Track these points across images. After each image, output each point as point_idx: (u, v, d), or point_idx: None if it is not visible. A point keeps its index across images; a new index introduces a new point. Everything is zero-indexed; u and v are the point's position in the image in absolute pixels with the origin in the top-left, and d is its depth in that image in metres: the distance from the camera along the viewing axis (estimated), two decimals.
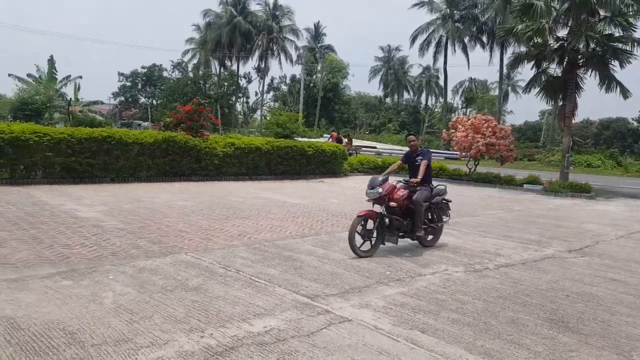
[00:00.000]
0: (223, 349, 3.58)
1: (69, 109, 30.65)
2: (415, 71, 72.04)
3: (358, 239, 6.55)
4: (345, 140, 25.08)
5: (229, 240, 7.17)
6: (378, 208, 6.90)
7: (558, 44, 19.72)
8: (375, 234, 6.73)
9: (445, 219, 7.79)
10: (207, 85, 59.09)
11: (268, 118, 43.32)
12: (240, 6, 59.12)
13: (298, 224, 8.92)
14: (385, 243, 6.90)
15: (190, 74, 61.62)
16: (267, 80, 65.72)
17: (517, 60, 21.17)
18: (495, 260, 6.95)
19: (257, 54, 60.68)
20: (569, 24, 19.43)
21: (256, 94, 70.30)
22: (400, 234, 7.02)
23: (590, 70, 19.57)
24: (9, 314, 3.99)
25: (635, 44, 18.26)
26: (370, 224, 6.70)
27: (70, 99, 33.46)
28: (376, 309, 4.64)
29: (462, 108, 69.54)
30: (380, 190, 6.75)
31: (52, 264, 5.45)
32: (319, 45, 66.68)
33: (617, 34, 18.70)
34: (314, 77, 63.16)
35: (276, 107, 59.17)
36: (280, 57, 60.71)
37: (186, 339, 3.71)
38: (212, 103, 43.79)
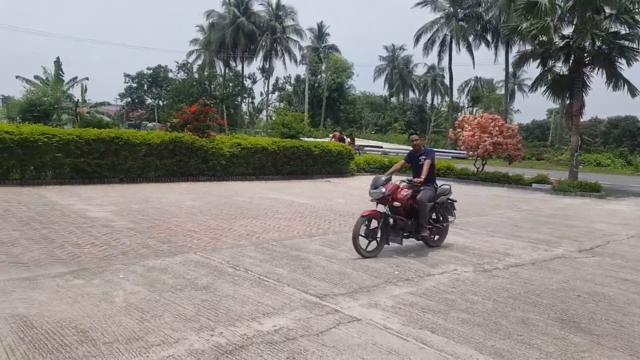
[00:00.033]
0: (233, 347, 3.59)
1: (76, 111, 30.87)
2: (420, 70, 71.95)
3: (362, 240, 6.49)
4: (347, 140, 25.20)
5: (238, 240, 7.19)
6: (382, 208, 6.85)
7: (563, 42, 19.61)
8: (379, 234, 6.67)
9: (450, 218, 7.72)
10: (212, 86, 59.30)
11: (274, 118, 43.43)
12: (243, 7, 59.20)
13: (305, 223, 8.92)
14: (390, 243, 6.83)
15: (196, 75, 61.85)
16: (272, 80, 65.89)
17: (522, 59, 21.06)
18: (505, 260, 6.91)
19: (261, 54, 60.79)
20: (574, 22, 19.30)
21: (261, 94, 70.54)
22: (405, 234, 6.96)
23: (596, 69, 19.44)
24: (22, 312, 4.03)
25: None
26: (374, 224, 6.64)
27: (78, 100, 33.68)
28: (385, 308, 4.63)
29: (468, 107, 69.29)
30: (383, 190, 6.69)
31: (64, 263, 5.49)
32: (322, 45, 66.70)
33: (623, 32, 18.58)
34: (319, 77, 63.18)
35: (281, 108, 59.28)
36: (284, 58, 60.85)
37: (196, 337, 3.73)
38: (217, 104, 43.96)
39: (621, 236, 9.40)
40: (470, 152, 20.26)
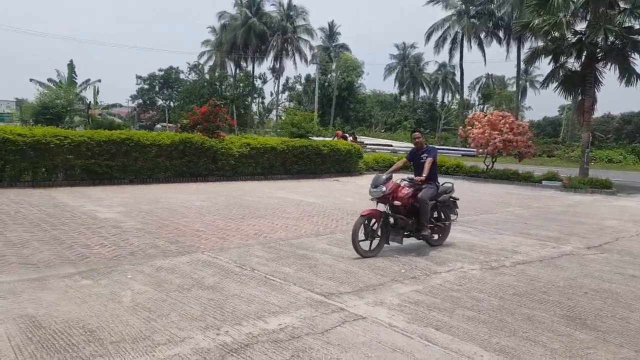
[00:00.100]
0: (238, 346, 3.63)
1: (88, 112, 31.26)
2: (431, 68, 71.49)
3: (362, 239, 6.41)
4: (350, 138, 25.45)
5: (245, 240, 7.24)
6: (382, 207, 6.78)
7: (576, 38, 19.39)
8: (379, 234, 6.60)
9: (453, 217, 7.60)
10: (223, 87, 59.67)
11: (283, 118, 43.49)
12: (255, 7, 59.42)
13: (313, 222, 8.95)
14: (390, 243, 6.76)
15: (207, 76, 62.26)
16: (282, 80, 66.10)
17: (534, 55, 20.87)
18: (512, 257, 6.88)
19: (272, 54, 60.98)
20: (588, 18, 19.07)
21: (271, 94, 70.90)
22: (406, 233, 6.87)
23: (609, 64, 19.20)
24: (30, 312, 4.10)
25: None
26: (374, 224, 6.57)
27: (90, 102, 34.10)
28: (391, 306, 4.64)
29: (479, 104, 68.82)
30: (383, 188, 6.61)
31: (73, 264, 5.58)
32: (333, 44, 66.64)
33: (637, 26, 18.33)
34: (329, 76, 63.19)
35: (291, 107, 59.35)
36: (294, 57, 60.94)
37: (202, 336, 3.77)
38: (228, 104, 44.17)
39: (631, 233, 9.30)
40: (480, 150, 20.12)
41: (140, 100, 67.89)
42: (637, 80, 18.74)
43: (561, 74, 20.32)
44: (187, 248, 6.57)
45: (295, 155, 17.51)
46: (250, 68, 63.58)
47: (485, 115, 20.78)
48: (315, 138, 22.07)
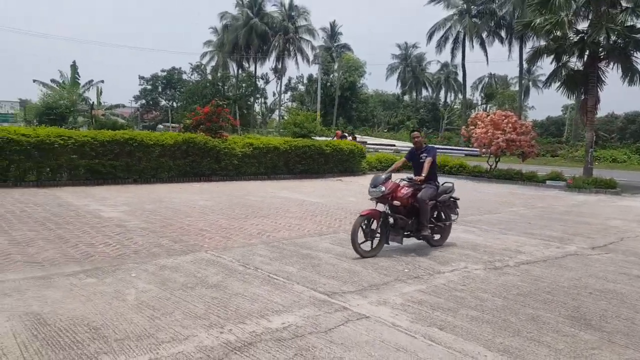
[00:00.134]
0: (242, 344, 3.64)
1: (91, 113, 31.35)
2: (433, 68, 71.38)
3: (361, 239, 6.38)
4: (349, 138, 25.56)
5: (248, 239, 7.25)
6: (381, 207, 6.75)
7: (578, 37, 19.34)
8: (378, 234, 6.57)
9: (453, 217, 7.55)
10: (225, 87, 59.70)
11: (286, 118, 43.52)
12: (256, 8, 59.42)
13: (316, 222, 8.96)
14: (390, 243, 6.73)
15: (209, 76, 62.32)
16: (285, 80, 66.08)
17: (536, 55, 20.81)
18: (516, 257, 6.87)
19: (274, 54, 60.95)
20: (589, 17, 19.01)
21: (274, 94, 70.83)
22: (406, 233, 6.83)
23: (612, 63, 19.14)
24: (36, 310, 4.12)
25: None
26: (373, 224, 6.53)
27: (93, 102, 34.20)
28: (394, 306, 4.64)
29: (482, 104, 68.66)
30: (383, 188, 6.58)
31: (77, 263, 5.60)
32: (335, 44, 66.63)
33: (639, 25, 18.24)
34: (331, 76, 63.18)
35: (294, 107, 59.37)
36: (297, 57, 60.84)
37: (206, 334, 3.78)
38: (230, 104, 44.25)
39: (635, 233, 9.26)
40: (483, 150, 20.08)
41: (144, 101, 68.07)
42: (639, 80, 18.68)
43: (563, 73, 20.26)
44: (190, 247, 6.58)
45: (298, 155, 17.52)
46: (252, 68, 63.64)
47: (488, 115, 20.74)
48: (317, 138, 22.07)
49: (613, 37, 18.34)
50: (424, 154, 7.17)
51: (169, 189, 12.72)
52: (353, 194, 13.42)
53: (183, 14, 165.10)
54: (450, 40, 51.97)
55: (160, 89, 68.50)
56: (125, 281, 5.00)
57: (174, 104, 66.81)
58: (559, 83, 20.45)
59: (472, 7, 49.35)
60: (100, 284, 4.87)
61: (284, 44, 59.21)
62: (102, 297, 4.50)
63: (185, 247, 6.55)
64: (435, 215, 7.31)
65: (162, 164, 14.05)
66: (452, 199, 7.53)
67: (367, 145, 31.27)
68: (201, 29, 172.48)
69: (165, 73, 67.20)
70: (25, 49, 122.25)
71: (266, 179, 16.32)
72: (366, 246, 6.50)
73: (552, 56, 20.14)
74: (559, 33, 19.02)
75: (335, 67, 62.46)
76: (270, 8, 60.58)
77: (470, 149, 31.39)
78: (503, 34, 48.61)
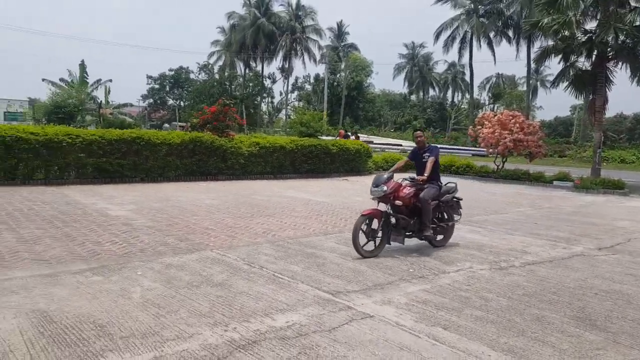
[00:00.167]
0: (246, 342, 3.66)
1: (99, 112, 31.56)
2: (440, 68, 71.14)
3: (362, 239, 6.35)
4: (352, 137, 25.64)
5: (254, 238, 7.28)
6: (383, 207, 6.70)
7: (586, 37, 19.21)
8: (380, 234, 6.52)
9: (456, 217, 7.48)
10: (232, 87, 59.85)
11: (292, 117, 43.55)
12: (264, 8, 59.57)
13: (321, 221, 8.97)
14: (392, 243, 6.69)
15: (216, 76, 62.53)
16: (291, 80, 66.14)
17: (543, 55, 20.70)
18: (522, 258, 6.84)
19: (280, 54, 61.09)
20: (598, 16, 18.87)
21: (281, 93, 70.84)
22: (408, 233, 6.78)
23: (620, 63, 19.00)
24: (42, 307, 4.16)
25: None
26: (375, 224, 6.49)
27: (101, 101, 34.42)
28: (398, 305, 4.64)
29: (489, 104, 68.33)
30: (384, 188, 6.53)
31: (84, 260, 5.65)
32: (342, 44, 66.60)
33: None
34: (338, 75, 63.17)
35: (300, 107, 59.38)
36: (303, 57, 60.97)
37: (210, 332, 3.80)
38: (237, 103, 44.29)
39: None
40: (490, 150, 19.99)
41: (151, 100, 68.38)
42: None
43: (571, 73, 20.13)
44: (196, 246, 6.62)
45: (304, 155, 17.54)
46: (259, 68, 63.81)
47: (495, 115, 20.65)
48: (324, 137, 22.09)
49: (621, 37, 18.19)
50: (427, 154, 7.10)
51: (175, 187, 12.78)
52: (359, 194, 13.41)
53: (192, 14, 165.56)
54: (458, 40, 51.87)
55: (167, 88, 68.79)
56: (131, 279, 5.04)
57: (182, 103, 67.08)
58: (567, 83, 20.32)
59: (479, 6, 49.15)
60: (106, 282, 4.91)
61: (291, 44, 59.30)
62: (108, 295, 4.54)
63: (190, 246, 6.59)
64: (438, 216, 7.25)
65: (169, 162, 14.13)
66: (455, 199, 7.47)
67: (374, 145, 31.22)
68: (209, 29, 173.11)
69: (173, 72, 67.49)
70: (33, 49, 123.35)
71: (272, 178, 16.35)
72: (368, 246, 6.48)
73: (560, 56, 20.02)
74: (566, 33, 18.90)
75: (342, 66, 62.44)
76: (277, 8, 60.84)
77: (477, 149, 31.24)
78: (511, 33, 48.39)
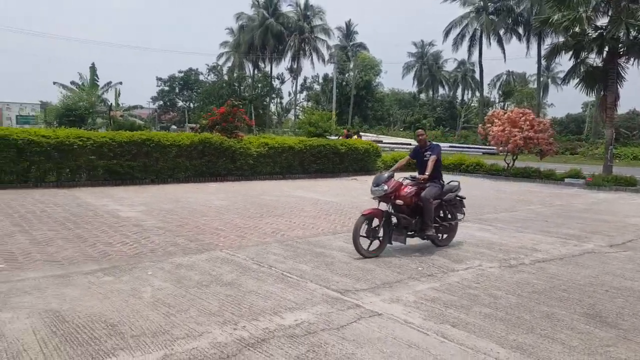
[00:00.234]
0: (255, 340, 3.69)
1: (110, 114, 31.83)
2: (450, 66, 70.75)
3: (363, 239, 6.31)
4: (355, 137, 25.62)
5: (263, 238, 7.31)
6: (384, 206, 6.66)
7: (597, 33, 18.97)
8: (381, 234, 6.47)
9: (459, 216, 7.42)
10: (241, 87, 60.07)
11: (301, 117, 43.61)
12: (272, 8, 59.72)
13: (330, 221, 8.98)
14: (393, 243, 6.64)
15: (225, 77, 62.79)
16: (300, 80, 66.24)
17: (554, 51, 20.48)
18: (532, 255, 6.80)
19: (289, 54, 61.19)
20: (609, 12, 18.66)
21: (289, 94, 70.99)
22: (410, 233, 6.72)
23: (632, 59, 18.73)
24: (55, 307, 4.23)
25: None
26: (375, 223, 6.43)
27: (111, 104, 34.70)
28: (407, 303, 4.65)
29: (499, 102, 67.81)
30: (385, 187, 6.49)
31: (95, 261, 5.72)
32: (350, 43, 66.55)
33: None
34: (347, 75, 63.11)
35: (309, 107, 59.42)
36: (312, 57, 61.01)
37: (220, 331, 3.84)
38: (246, 104, 44.51)
39: None
40: (500, 148, 19.84)
41: (161, 102, 68.91)
42: None
43: (582, 69, 19.88)
44: (206, 246, 6.67)
45: (313, 155, 17.57)
46: (268, 68, 64.01)
47: (505, 113, 20.50)
48: (333, 137, 22.10)
49: (633, 33, 17.94)
50: (428, 152, 7.03)
51: (185, 189, 12.87)
52: (368, 193, 13.29)
53: (198, 15, 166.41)
54: (467, 38, 51.63)
55: (177, 90, 69.31)
56: (141, 279, 5.10)
57: (191, 105, 67.51)
58: (578, 80, 20.07)
59: (489, 4, 48.85)
60: (117, 282, 4.98)
61: (300, 44, 59.38)
62: (119, 295, 4.59)
63: (200, 246, 6.64)
64: (440, 215, 7.19)
65: (178, 164, 14.23)
66: (458, 198, 7.39)
67: (383, 145, 31.15)
68: (218, 30, 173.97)
69: (182, 74, 67.95)
70: (47, 53, 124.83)
71: (281, 179, 16.40)
72: (369, 246, 6.44)
73: (571, 52, 19.77)
74: (577, 29, 18.69)
75: (351, 66, 62.39)
76: (285, 8, 60.95)
77: (487, 147, 31.08)
78: (521, 30, 48.07)
